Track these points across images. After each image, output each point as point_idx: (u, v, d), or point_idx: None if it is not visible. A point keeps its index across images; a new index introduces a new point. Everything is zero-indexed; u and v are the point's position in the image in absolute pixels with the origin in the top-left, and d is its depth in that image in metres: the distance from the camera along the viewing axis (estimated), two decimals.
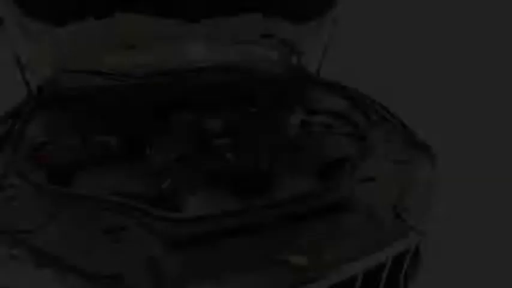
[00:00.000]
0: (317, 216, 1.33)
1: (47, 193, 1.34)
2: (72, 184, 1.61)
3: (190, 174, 1.70)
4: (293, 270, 1.10)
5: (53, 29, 2.21)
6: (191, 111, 2.27)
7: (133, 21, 2.32)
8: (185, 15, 2.37)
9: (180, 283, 1.06)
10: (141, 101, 2.38)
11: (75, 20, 2.21)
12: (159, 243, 1.15)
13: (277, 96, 2.71)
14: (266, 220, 1.28)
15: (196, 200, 1.51)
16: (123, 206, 1.27)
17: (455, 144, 3.10)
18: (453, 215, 2.29)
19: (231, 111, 2.30)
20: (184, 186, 1.60)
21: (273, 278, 1.09)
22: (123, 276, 1.03)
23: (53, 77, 2.49)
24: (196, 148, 1.91)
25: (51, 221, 1.19)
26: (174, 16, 2.34)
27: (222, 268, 1.11)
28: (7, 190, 1.34)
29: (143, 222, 1.21)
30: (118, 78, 2.48)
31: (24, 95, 2.32)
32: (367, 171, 1.60)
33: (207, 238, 1.19)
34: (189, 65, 2.76)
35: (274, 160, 1.86)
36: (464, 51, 4.90)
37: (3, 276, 1.10)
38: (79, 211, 1.27)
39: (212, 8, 2.37)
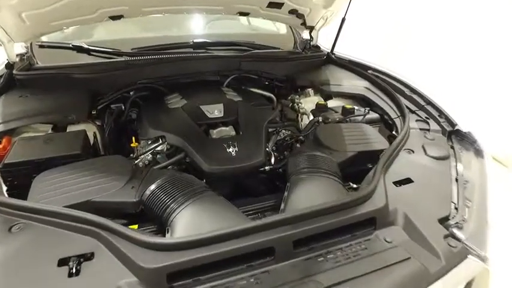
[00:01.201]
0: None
1: None
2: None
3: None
4: None
5: None
6: (187, 94, 1.91)
7: None
8: None
9: None
10: (129, 81, 2.02)
11: None
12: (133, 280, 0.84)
13: (288, 77, 2.34)
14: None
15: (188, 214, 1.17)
16: (89, 223, 0.95)
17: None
18: None
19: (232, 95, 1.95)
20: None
21: None
22: None
23: (26, 53, 2.14)
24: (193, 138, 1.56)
25: None
26: None
27: None
28: None
29: (114, 247, 0.89)
30: (103, 54, 2.12)
31: None
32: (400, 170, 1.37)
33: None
34: (186, 39, 2.42)
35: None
36: None
37: None
38: (31, 233, 0.95)
39: None
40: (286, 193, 1.27)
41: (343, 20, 2.43)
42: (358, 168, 1.60)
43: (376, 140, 1.67)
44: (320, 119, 1.89)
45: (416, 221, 1.15)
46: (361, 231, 1.14)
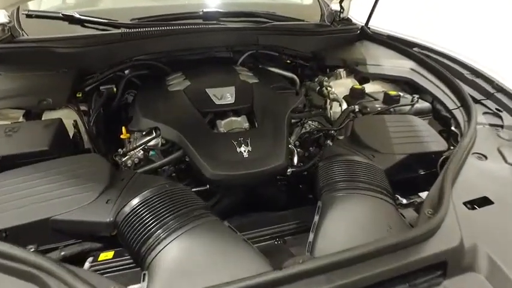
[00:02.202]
0: None
1: None
2: None
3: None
4: None
5: None
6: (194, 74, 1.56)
7: None
8: None
9: None
10: (124, 57, 1.68)
11: None
12: None
13: (315, 55, 1.93)
14: None
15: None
16: (31, 264, 0.65)
17: None
18: None
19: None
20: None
21: None
22: None
23: (8, 23, 1.82)
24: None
25: None
26: None
27: None
28: None
29: None
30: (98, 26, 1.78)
31: None
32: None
33: None
34: (195, 9, 2.04)
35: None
36: None
37: None
38: None
39: None
40: (316, 218, 0.92)
41: None
42: (406, 175, 1.23)
43: (430, 138, 1.28)
44: (357, 108, 1.50)
45: (506, 266, 0.79)
46: (424, 280, 0.79)
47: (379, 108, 1.48)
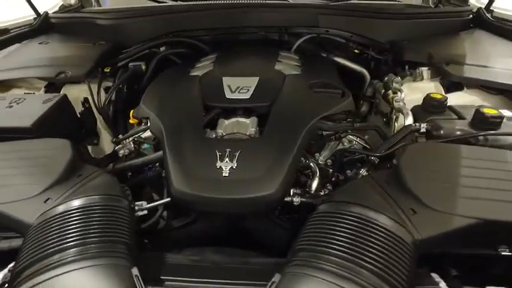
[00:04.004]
0: None
1: None
2: None
3: None
4: None
5: None
6: None
7: None
8: None
9: None
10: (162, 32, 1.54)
11: None
12: None
13: (394, 45, 1.46)
14: None
15: None
16: None
17: None
18: None
19: None
20: None
21: None
22: None
23: None
24: None
25: None
26: None
27: None
28: None
29: None
30: None
31: None
32: None
33: None
34: None
35: None
36: None
37: None
38: None
39: None
40: None
41: None
42: (473, 251, 0.77)
43: None
44: (424, 127, 1.03)
45: None
46: None
47: (458, 132, 0.98)
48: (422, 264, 0.78)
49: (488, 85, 1.17)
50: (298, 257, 0.64)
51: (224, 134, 1.00)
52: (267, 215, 0.92)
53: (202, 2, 1.59)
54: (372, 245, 0.64)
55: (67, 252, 0.62)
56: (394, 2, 1.72)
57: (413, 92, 1.31)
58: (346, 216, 0.70)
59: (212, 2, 1.59)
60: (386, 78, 1.39)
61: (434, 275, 0.74)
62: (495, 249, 0.76)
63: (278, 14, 1.55)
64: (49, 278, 0.58)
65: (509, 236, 0.74)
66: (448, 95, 1.26)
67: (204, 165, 0.87)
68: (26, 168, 0.88)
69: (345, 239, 0.65)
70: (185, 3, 1.62)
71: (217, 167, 0.85)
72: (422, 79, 1.36)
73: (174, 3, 1.72)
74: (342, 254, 0.63)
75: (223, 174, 0.84)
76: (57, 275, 0.58)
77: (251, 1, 1.59)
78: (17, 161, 0.90)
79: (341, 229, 0.67)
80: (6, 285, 0.66)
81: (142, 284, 0.60)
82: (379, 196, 0.77)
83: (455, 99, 1.22)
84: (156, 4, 1.79)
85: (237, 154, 0.87)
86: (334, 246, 0.64)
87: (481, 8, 1.58)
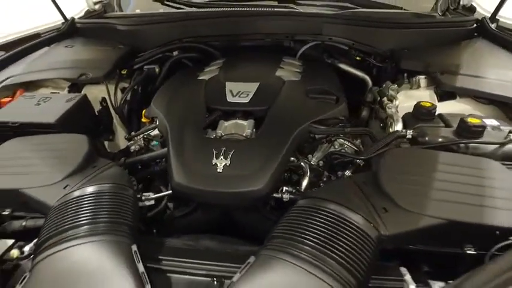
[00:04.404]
0: None
1: None
2: None
3: None
4: None
5: None
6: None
7: None
8: None
9: None
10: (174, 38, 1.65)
11: None
12: None
13: (394, 54, 1.51)
14: None
15: None
16: None
17: None
18: None
19: None
20: None
21: None
22: None
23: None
24: None
25: None
26: None
27: None
28: None
29: None
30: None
31: None
32: None
33: None
34: None
35: None
36: None
37: None
38: None
39: None
40: (236, 276, 0.69)
41: None
42: (441, 249, 0.83)
43: (505, 202, 0.82)
44: (410, 134, 1.09)
45: None
46: None
47: (441, 139, 1.04)
48: (397, 260, 0.86)
49: (479, 95, 1.22)
50: (273, 242, 0.73)
51: (223, 134, 1.10)
52: (257, 208, 1.01)
53: (214, 10, 1.70)
54: (339, 237, 0.73)
55: (79, 229, 0.74)
56: (401, 11, 1.76)
57: (409, 99, 1.37)
58: (320, 211, 0.78)
59: (223, 9, 1.69)
60: (384, 86, 1.46)
61: (402, 268, 0.81)
62: (461, 248, 0.83)
63: (285, 21, 1.63)
64: (63, 249, 0.70)
65: (473, 236, 0.81)
66: (441, 104, 1.32)
67: (202, 161, 0.97)
68: (49, 159, 1.01)
69: (316, 231, 0.74)
70: (198, 9, 1.73)
71: (213, 163, 0.96)
72: (419, 87, 1.41)
73: (189, 9, 1.84)
74: (311, 243, 0.71)
75: (218, 170, 0.94)
76: (70, 247, 0.70)
77: (259, 9, 1.68)
78: (42, 152, 1.03)
79: (314, 222, 0.76)
80: (32, 255, 0.79)
81: (139, 258, 0.71)
82: (354, 195, 0.85)
83: (447, 107, 1.28)
84: (174, 10, 1.93)
85: (231, 153, 0.97)
86: (306, 236, 0.73)
87: (485, 17, 1.61)
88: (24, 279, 0.69)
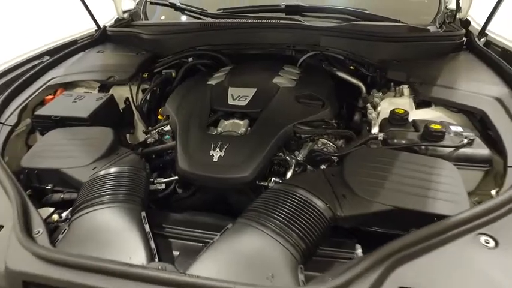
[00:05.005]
0: None
1: None
2: None
3: None
4: None
5: None
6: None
7: None
8: None
9: None
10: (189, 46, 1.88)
11: None
12: None
13: (383, 65, 1.68)
14: None
15: None
16: None
17: None
18: None
19: None
20: None
21: None
22: None
23: (134, 9, 2.30)
24: None
25: None
26: None
27: None
28: None
29: None
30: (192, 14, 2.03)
31: None
32: None
33: None
34: (278, 1, 2.05)
35: None
36: None
37: None
38: None
39: None
40: (216, 238, 0.91)
41: None
42: (390, 231, 1.01)
43: (448, 195, 0.99)
44: (381, 136, 1.27)
45: None
46: None
47: (405, 142, 1.21)
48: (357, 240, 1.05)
49: (450, 104, 1.37)
50: (248, 214, 0.94)
51: (222, 131, 1.32)
52: (246, 192, 1.22)
53: (225, 20, 1.91)
54: (300, 215, 0.93)
55: (103, 198, 0.99)
56: (396, 24, 1.90)
57: (392, 106, 1.52)
58: (289, 194, 0.99)
59: (233, 20, 1.91)
60: (371, 93, 1.63)
61: (357, 245, 1.00)
62: (407, 231, 1.00)
63: (287, 33, 1.83)
64: (91, 211, 0.95)
65: (417, 221, 0.98)
66: (418, 111, 1.48)
67: (201, 152, 1.20)
68: (82, 146, 1.27)
69: (283, 209, 0.95)
70: (212, 20, 1.96)
71: (211, 154, 1.18)
72: (402, 95, 1.57)
73: (204, 20, 2.06)
74: (278, 217, 0.92)
75: (214, 160, 1.17)
76: (96, 210, 0.95)
77: (265, 21, 1.88)
78: (76, 141, 1.29)
79: (283, 202, 0.97)
80: (67, 220, 1.04)
81: (147, 221, 0.95)
82: (320, 183, 1.04)
83: (423, 114, 1.44)
84: (191, 20, 2.16)
85: (226, 146, 1.19)
86: (275, 212, 0.93)
87: (471, 32, 1.74)
88: (64, 231, 0.94)
